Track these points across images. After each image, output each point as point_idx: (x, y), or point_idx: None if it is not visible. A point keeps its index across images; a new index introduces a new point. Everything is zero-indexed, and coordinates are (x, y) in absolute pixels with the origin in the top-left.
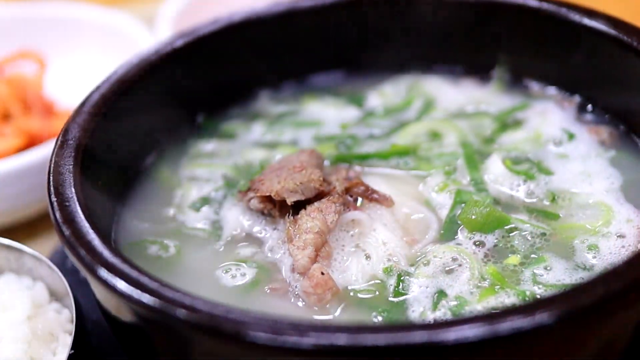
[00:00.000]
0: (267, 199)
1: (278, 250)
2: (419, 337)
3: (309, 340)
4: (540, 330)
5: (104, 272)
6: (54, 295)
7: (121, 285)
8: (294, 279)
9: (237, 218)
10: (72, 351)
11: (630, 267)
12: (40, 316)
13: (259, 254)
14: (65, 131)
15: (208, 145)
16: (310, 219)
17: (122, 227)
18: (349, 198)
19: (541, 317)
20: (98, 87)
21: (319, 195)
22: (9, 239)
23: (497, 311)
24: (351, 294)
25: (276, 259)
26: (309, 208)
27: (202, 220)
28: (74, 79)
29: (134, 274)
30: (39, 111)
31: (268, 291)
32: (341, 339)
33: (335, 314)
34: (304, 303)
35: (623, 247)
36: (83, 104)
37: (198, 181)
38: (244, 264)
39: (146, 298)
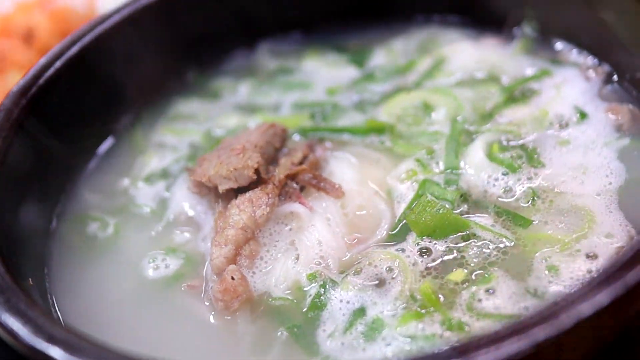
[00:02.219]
0: (201, 183)
1: (209, 240)
2: None
3: None
4: None
5: None
6: None
7: None
8: (211, 278)
9: (183, 198)
10: None
11: None
12: None
13: (191, 243)
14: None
15: (189, 106)
16: (238, 212)
17: (74, 197)
18: (295, 186)
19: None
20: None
21: (259, 182)
22: None
23: None
24: (269, 301)
25: (205, 249)
26: (240, 198)
27: (151, 197)
28: None
29: None
30: None
31: (183, 288)
32: None
33: (242, 325)
34: (212, 309)
35: (589, 271)
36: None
37: (164, 149)
38: (171, 254)
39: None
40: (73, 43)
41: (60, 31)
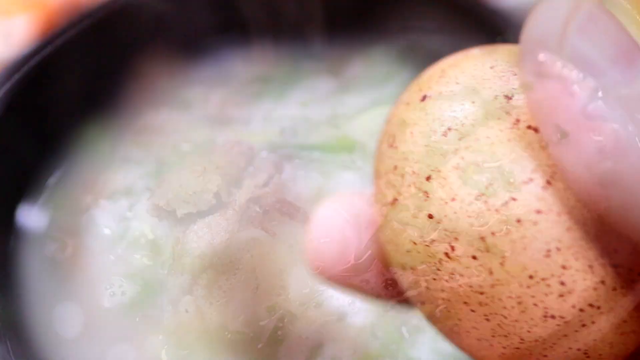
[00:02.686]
0: (160, 206)
1: (167, 267)
2: None
3: None
4: None
5: None
6: None
7: None
8: (167, 308)
9: (144, 219)
10: None
11: None
12: None
13: (150, 269)
14: None
15: (158, 117)
16: (196, 239)
17: (34, 215)
18: (258, 210)
19: None
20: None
21: (220, 206)
22: None
23: None
24: (226, 335)
25: (164, 277)
26: (198, 224)
27: (113, 216)
28: None
29: None
30: None
31: (138, 319)
32: None
33: None
34: (166, 344)
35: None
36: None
37: (129, 163)
38: (129, 280)
39: None
40: (33, 54)
41: (41, 30)
